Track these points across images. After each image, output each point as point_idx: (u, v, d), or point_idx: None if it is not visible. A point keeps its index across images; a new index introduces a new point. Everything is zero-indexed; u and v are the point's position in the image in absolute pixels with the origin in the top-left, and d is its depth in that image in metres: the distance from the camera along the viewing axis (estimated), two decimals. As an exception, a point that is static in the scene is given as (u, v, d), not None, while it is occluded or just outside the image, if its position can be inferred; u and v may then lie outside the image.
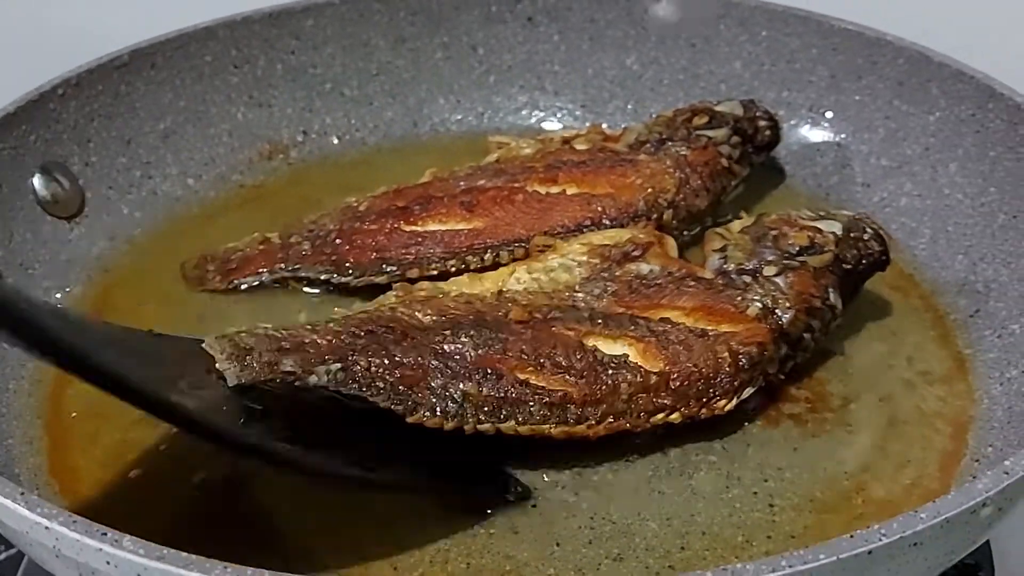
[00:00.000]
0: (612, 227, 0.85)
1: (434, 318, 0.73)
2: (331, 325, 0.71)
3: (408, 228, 0.87)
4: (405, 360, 0.69)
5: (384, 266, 0.86)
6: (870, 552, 0.55)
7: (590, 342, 0.73)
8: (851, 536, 0.55)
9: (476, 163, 0.93)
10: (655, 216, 0.87)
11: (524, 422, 0.70)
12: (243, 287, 0.88)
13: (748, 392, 0.75)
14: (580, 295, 0.77)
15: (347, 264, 0.86)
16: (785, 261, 0.79)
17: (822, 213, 0.84)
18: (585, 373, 0.72)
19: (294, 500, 0.71)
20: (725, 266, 0.80)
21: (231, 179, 1.00)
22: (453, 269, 0.85)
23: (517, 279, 0.79)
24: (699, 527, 0.69)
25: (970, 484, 0.59)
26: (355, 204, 0.90)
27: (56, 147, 0.91)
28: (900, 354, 0.82)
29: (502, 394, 0.70)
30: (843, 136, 0.99)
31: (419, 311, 0.74)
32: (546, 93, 1.07)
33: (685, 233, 0.89)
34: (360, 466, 0.68)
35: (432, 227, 0.86)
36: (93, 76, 0.93)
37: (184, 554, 0.54)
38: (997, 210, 0.87)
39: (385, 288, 0.84)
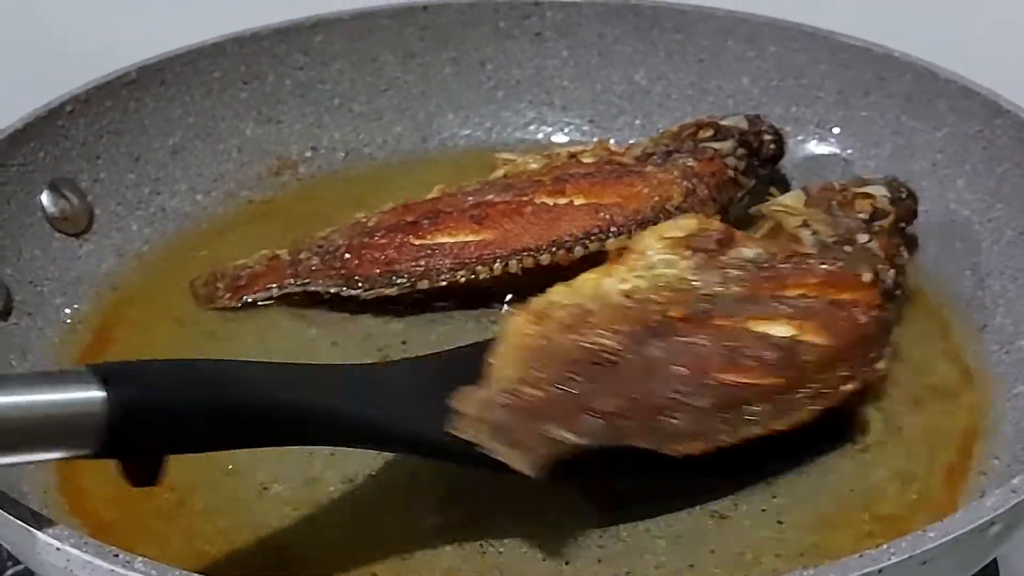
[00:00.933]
0: (620, 234, 0.86)
1: (612, 337, 0.70)
2: (536, 374, 0.68)
3: (417, 242, 0.87)
4: (635, 395, 0.68)
5: (394, 278, 0.86)
6: (880, 571, 0.55)
7: (757, 328, 0.72)
8: (860, 556, 0.55)
9: (484, 179, 0.93)
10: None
11: (758, 423, 0.70)
12: (253, 303, 0.88)
13: (888, 352, 0.78)
14: (698, 284, 0.75)
15: (356, 278, 0.86)
16: (867, 226, 0.82)
17: (857, 180, 0.88)
18: (776, 360, 0.71)
19: (301, 518, 0.71)
20: (822, 239, 0.80)
21: (240, 195, 1.00)
22: (463, 280, 0.86)
23: (622, 280, 0.75)
24: (708, 545, 0.69)
25: (978, 502, 0.59)
26: (364, 219, 0.90)
27: (65, 164, 0.91)
28: (907, 369, 0.82)
29: (732, 402, 0.69)
30: (850, 151, 0.99)
31: (590, 332, 0.70)
32: (554, 108, 1.08)
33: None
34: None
35: (441, 240, 0.87)
36: (102, 92, 0.93)
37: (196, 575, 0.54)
38: (1004, 226, 0.87)
39: (395, 300, 0.86)
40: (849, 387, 0.74)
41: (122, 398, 0.56)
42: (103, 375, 0.56)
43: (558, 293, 0.74)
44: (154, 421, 0.57)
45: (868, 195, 0.85)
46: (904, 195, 0.87)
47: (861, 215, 0.83)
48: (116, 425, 0.55)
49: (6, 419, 0.54)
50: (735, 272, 0.75)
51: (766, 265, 0.76)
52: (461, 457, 0.66)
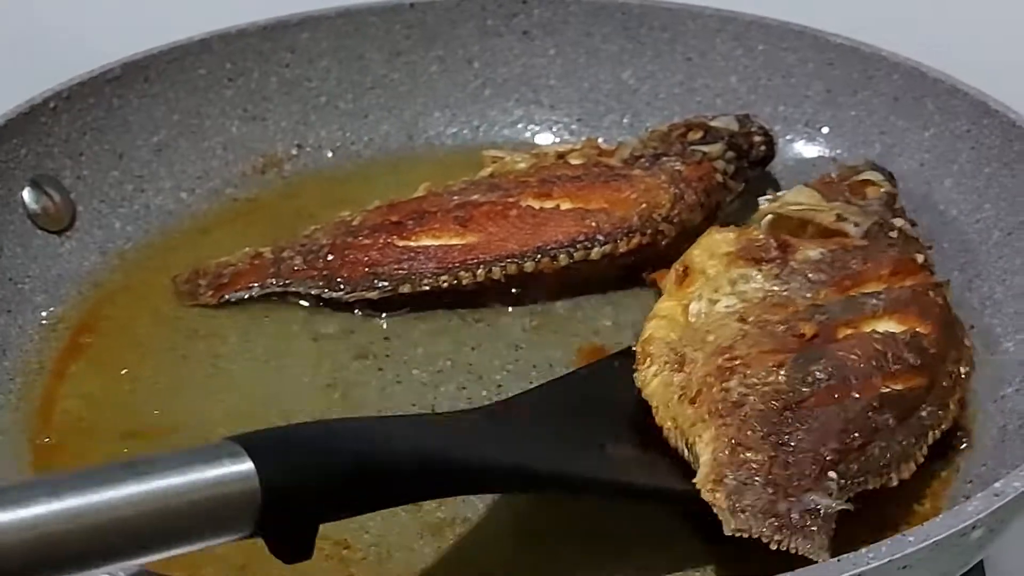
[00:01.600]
0: (606, 243, 0.85)
1: (774, 372, 0.68)
2: (719, 433, 0.66)
3: (401, 243, 0.86)
4: (840, 428, 0.66)
5: (376, 281, 0.85)
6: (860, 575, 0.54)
7: (878, 328, 0.71)
8: (839, 559, 0.55)
9: (471, 177, 0.92)
10: (649, 231, 0.86)
11: (932, 426, 0.69)
12: (235, 301, 0.87)
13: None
14: (787, 293, 0.73)
15: (338, 279, 0.86)
16: (891, 210, 0.82)
17: (846, 168, 0.88)
18: (916, 358, 0.70)
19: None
20: (865, 229, 0.80)
21: (224, 193, 0.99)
22: (445, 285, 0.85)
23: (710, 303, 0.73)
24: (696, 550, 0.68)
25: (960, 506, 0.58)
26: (348, 218, 0.89)
27: (47, 160, 0.90)
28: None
29: (906, 411, 0.68)
30: (839, 151, 0.98)
31: (749, 375, 0.68)
32: (542, 107, 1.07)
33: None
34: None
35: (425, 242, 0.86)
36: (85, 89, 0.93)
37: (171, 579, 0.53)
38: (992, 227, 0.86)
39: (377, 303, 0.85)
40: (963, 370, 0.74)
41: (273, 469, 0.49)
42: (245, 445, 0.50)
43: (658, 328, 0.72)
44: (307, 491, 0.52)
45: (869, 181, 0.85)
46: (890, 175, 0.88)
47: (876, 200, 0.83)
48: (271, 500, 0.49)
49: (161, 508, 0.47)
50: (814, 275, 0.74)
51: (837, 264, 0.76)
52: (612, 490, 0.66)
